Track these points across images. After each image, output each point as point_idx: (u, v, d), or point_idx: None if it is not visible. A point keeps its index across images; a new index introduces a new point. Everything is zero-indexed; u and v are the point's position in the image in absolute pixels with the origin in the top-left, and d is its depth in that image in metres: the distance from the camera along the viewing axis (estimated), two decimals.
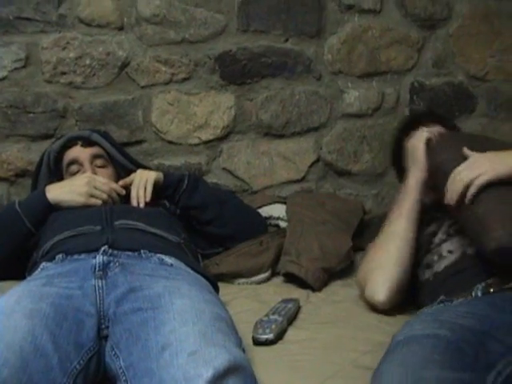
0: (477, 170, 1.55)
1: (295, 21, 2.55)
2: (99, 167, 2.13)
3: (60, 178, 2.14)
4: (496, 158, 1.58)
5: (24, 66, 2.31)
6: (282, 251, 2.08)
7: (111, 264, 1.52)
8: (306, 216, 2.20)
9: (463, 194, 1.55)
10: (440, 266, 1.68)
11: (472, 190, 1.54)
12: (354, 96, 2.67)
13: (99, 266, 1.50)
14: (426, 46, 2.74)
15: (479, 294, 1.43)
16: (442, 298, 1.49)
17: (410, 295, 1.76)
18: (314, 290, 1.95)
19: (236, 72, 2.52)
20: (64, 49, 2.33)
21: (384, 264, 1.71)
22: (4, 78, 2.30)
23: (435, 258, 1.71)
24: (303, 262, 1.98)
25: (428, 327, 1.29)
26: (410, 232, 1.74)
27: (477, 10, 2.78)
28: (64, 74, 2.35)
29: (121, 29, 2.39)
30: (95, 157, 2.14)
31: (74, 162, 2.12)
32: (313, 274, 1.96)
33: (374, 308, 1.73)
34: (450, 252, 1.68)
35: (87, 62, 2.36)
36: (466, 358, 1.18)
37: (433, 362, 1.17)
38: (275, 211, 2.33)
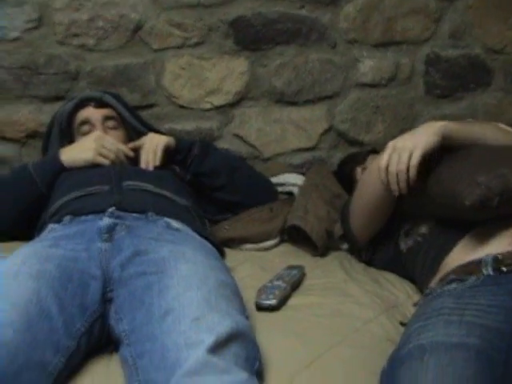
0: (403, 152, 1.58)
1: None
2: (110, 129, 2.12)
3: (71, 140, 2.14)
4: (412, 135, 1.61)
5: (36, 27, 2.29)
6: (290, 210, 2.08)
7: (117, 227, 1.52)
8: (322, 184, 2.19)
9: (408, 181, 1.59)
10: (420, 230, 1.70)
11: (413, 172, 1.57)
12: (369, 65, 2.64)
13: (105, 229, 1.50)
14: (443, 16, 2.69)
15: (490, 271, 1.40)
16: (451, 276, 1.45)
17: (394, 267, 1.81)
18: (316, 248, 1.96)
19: (250, 37, 2.49)
20: (77, 10, 2.31)
21: None
22: (16, 39, 2.29)
23: (411, 225, 1.73)
24: (310, 218, 1.98)
25: (455, 334, 1.23)
26: None
27: None
28: (76, 35, 2.33)
29: None
30: (107, 118, 2.13)
31: (85, 122, 2.12)
32: (317, 232, 1.96)
33: None
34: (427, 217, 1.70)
35: (100, 24, 2.34)
36: (496, 367, 1.17)
37: (465, 379, 1.13)
38: (291, 178, 2.32)
